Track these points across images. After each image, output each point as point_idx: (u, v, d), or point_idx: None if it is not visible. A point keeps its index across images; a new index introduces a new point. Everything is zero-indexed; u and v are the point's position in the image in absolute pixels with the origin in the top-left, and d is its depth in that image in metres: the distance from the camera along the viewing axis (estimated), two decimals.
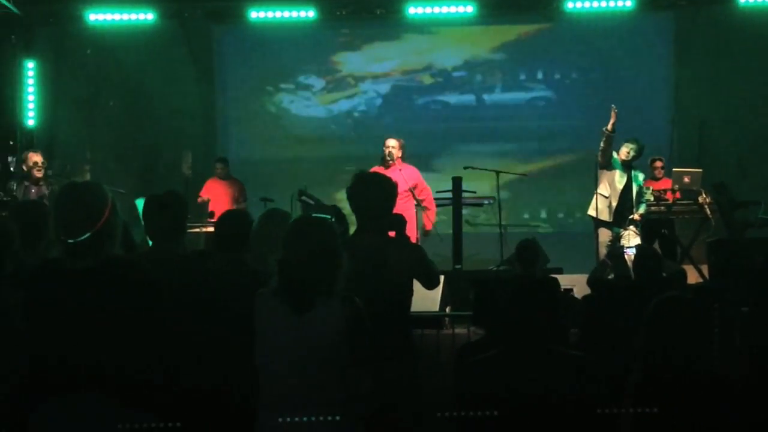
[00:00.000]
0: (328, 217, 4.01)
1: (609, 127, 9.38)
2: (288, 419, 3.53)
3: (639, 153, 9.73)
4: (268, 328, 3.63)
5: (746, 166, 11.38)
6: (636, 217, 9.59)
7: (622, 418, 3.68)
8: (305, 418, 3.52)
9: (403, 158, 9.61)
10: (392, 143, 9.57)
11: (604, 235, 9.73)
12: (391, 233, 4.69)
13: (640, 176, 9.83)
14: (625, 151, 9.64)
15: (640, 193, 9.78)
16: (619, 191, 9.67)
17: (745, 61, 12.06)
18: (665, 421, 3.58)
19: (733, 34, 11.99)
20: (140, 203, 4.83)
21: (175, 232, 4.45)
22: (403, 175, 9.04)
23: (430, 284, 4.89)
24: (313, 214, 4.09)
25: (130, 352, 3.22)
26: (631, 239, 9.49)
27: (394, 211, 4.75)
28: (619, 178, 9.68)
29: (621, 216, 9.67)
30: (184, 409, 3.52)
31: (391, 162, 9.46)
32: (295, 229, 3.75)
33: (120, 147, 12.83)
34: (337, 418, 3.52)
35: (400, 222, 4.75)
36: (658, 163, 11.42)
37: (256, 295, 3.70)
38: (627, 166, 9.72)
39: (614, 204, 9.66)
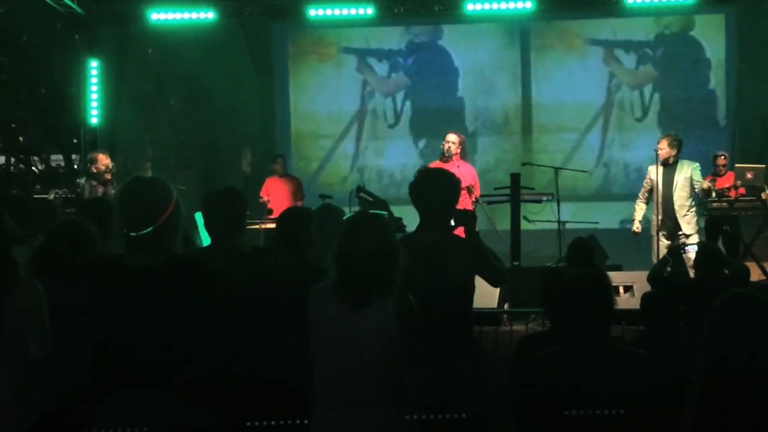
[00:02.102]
0: (384, 213, 4.00)
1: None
2: (342, 415, 3.55)
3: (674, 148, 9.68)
4: (323, 323, 3.65)
5: None
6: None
7: (684, 419, 3.64)
8: (359, 415, 3.52)
9: (463, 155, 9.53)
10: (452, 138, 9.46)
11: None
12: (460, 229, 4.67)
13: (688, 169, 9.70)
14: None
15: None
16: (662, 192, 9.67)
17: None
18: (730, 422, 3.53)
19: None
20: (199, 217, 4.86)
21: (235, 228, 4.46)
22: (462, 172, 8.89)
23: (495, 282, 4.85)
24: (371, 211, 4.09)
25: (190, 348, 3.25)
26: (692, 237, 9.39)
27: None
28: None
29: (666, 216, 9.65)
30: (241, 405, 3.55)
31: (449, 158, 9.36)
32: (351, 225, 3.76)
33: (180, 145, 13.00)
34: (391, 415, 3.52)
35: (470, 218, 4.72)
36: (721, 160, 11.24)
37: (310, 290, 3.71)
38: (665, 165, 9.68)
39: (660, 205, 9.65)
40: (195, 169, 12.77)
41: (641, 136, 13.00)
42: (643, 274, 8.17)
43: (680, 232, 9.53)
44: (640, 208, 9.94)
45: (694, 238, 9.33)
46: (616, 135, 13.29)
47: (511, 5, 11.89)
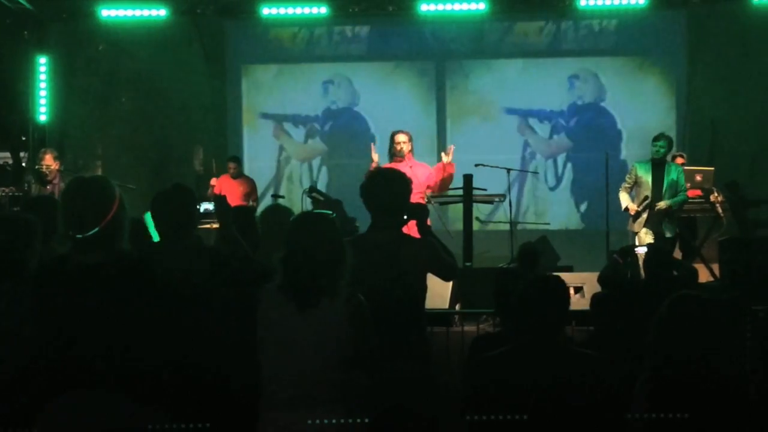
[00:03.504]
0: (331, 213, 3.98)
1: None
2: (289, 416, 3.53)
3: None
4: (271, 323, 3.63)
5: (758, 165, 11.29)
6: (660, 205, 9.55)
7: (633, 418, 3.66)
8: (306, 415, 3.50)
9: (414, 153, 9.35)
10: (402, 138, 9.13)
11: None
12: (413, 222, 4.67)
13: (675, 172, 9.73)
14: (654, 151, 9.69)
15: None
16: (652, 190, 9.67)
17: (757, 60, 12.00)
18: (678, 421, 3.56)
19: (746, 33, 11.93)
20: (149, 217, 4.81)
21: (185, 227, 4.43)
22: (416, 173, 8.81)
23: (446, 277, 4.89)
24: (316, 211, 4.07)
25: (139, 348, 3.22)
26: (643, 238, 9.47)
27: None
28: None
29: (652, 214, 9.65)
30: (189, 404, 3.52)
31: (400, 158, 9.08)
32: (298, 225, 3.75)
33: (131, 143, 12.84)
34: (339, 415, 3.51)
35: (422, 211, 4.72)
36: (680, 160, 11.37)
37: (261, 290, 3.70)
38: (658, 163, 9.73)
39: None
40: (146, 168, 12.63)
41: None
42: (593, 275, 8.24)
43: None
44: (626, 197, 9.82)
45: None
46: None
47: (465, 6, 11.94)
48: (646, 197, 9.58)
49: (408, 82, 13.33)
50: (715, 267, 9.52)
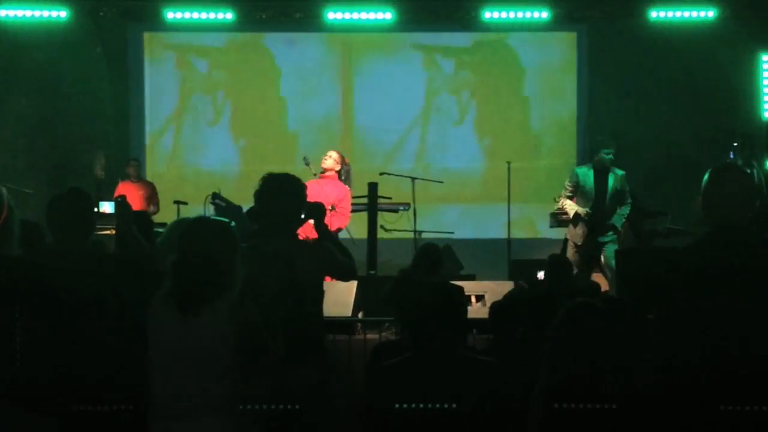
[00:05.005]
0: (227, 220, 3.94)
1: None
2: (177, 424, 3.47)
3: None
4: (158, 331, 3.57)
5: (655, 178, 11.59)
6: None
7: (529, 424, 3.71)
8: (193, 424, 3.45)
9: (342, 175, 9.23)
10: (332, 154, 9.24)
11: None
12: (309, 222, 4.66)
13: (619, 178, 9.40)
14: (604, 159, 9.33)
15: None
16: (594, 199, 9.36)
17: (655, 75, 12.33)
18: (573, 427, 3.61)
19: (644, 49, 12.26)
20: None
21: (80, 231, 4.36)
22: (326, 190, 8.82)
23: (344, 278, 4.88)
24: (213, 217, 4.02)
25: (25, 353, 3.14)
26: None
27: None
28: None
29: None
30: (76, 413, 3.45)
31: (322, 174, 9.15)
32: (187, 232, 3.69)
33: (30, 147, 12.52)
34: (228, 424, 3.47)
35: (318, 210, 4.71)
36: None
37: (153, 298, 3.63)
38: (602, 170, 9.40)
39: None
40: (45, 172, 12.34)
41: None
42: (496, 284, 8.34)
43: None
44: (572, 204, 9.39)
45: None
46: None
47: (372, 15, 11.99)
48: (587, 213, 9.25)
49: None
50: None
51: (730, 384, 3.55)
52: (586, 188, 9.32)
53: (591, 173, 9.34)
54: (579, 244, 9.35)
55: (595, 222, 9.26)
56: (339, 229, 8.86)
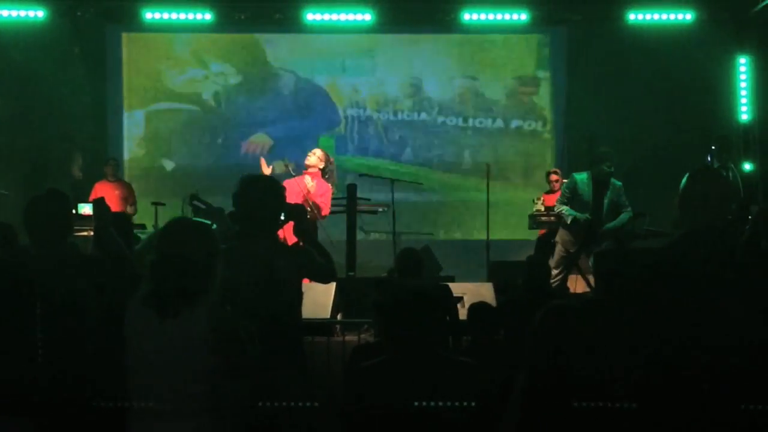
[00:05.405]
0: (207, 221, 3.92)
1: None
2: (155, 427, 3.46)
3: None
4: (135, 333, 3.55)
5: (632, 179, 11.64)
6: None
7: (507, 425, 3.71)
8: (171, 426, 3.44)
9: (326, 173, 9.19)
10: (317, 152, 9.26)
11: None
12: (289, 224, 4.65)
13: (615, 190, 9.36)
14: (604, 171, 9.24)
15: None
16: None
17: (633, 77, 12.39)
18: (550, 428, 3.62)
19: (622, 51, 12.32)
20: None
21: (58, 232, 4.34)
22: (305, 183, 8.87)
23: (324, 280, 4.88)
24: (193, 218, 3.99)
25: (2, 356, 3.13)
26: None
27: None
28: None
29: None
30: (53, 415, 3.43)
31: (305, 171, 9.15)
32: (165, 233, 3.67)
33: (6, 147, 12.43)
34: (206, 426, 3.45)
35: (299, 212, 4.70)
36: (554, 176, 11.67)
37: (130, 299, 3.61)
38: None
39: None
40: (22, 173, 12.25)
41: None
42: (475, 285, 8.36)
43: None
44: (569, 210, 9.29)
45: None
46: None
47: (351, 17, 11.99)
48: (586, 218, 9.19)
49: None
50: (591, 278, 9.75)
51: (703, 381, 3.59)
52: (584, 197, 9.26)
53: (590, 182, 9.28)
54: (572, 251, 9.34)
55: (592, 230, 9.21)
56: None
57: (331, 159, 9.39)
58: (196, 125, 13.50)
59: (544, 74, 13.51)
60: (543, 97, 13.55)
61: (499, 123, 13.56)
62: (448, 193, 13.42)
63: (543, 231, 11.17)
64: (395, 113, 13.60)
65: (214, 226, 4.27)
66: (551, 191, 11.51)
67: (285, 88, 13.55)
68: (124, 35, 13.29)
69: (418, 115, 13.57)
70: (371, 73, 13.56)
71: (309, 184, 8.89)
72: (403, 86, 13.60)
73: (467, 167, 13.37)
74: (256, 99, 13.51)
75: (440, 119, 13.57)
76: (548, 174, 11.81)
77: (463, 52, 13.51)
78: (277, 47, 13.50)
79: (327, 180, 9.20)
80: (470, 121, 13.57)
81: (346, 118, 13.58)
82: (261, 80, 13.55)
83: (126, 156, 13.14)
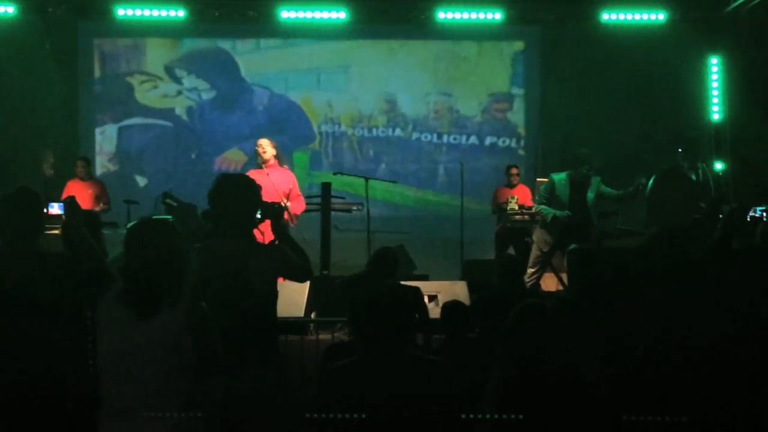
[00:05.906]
0: (170, 218, 3.87)
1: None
2: (128, 426, 3.43)
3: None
4: (108, 332, 3.52)
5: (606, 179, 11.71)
6: None
7: (480, 424, 3.72)
8: (145, 426, 3.42)
9: (279, 160, 9.38)
10: (264, 142, 9.32)
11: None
12: (267, 222, 4.63)
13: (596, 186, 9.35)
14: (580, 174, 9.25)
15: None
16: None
17: (607, 77, 12.44)
18: (525, 426, 3.63)
19: (596, 51, 12.37)
20: None
21: (29, 232, 4.30)
22: (273, 180, 8.85)
23: (299, 280, 4.88)
24: (155, 217, 3.94)
25: None
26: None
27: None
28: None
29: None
30: (23, 416, 3.40)
31: (262, 164, 9.21)
32: (135, 232, 3.64)
33: None
34: (182, 425, 3.43)
35: (276, 210, 4.68)
36: (514, 170, 11.72)
37: (99, 298, 3.59)
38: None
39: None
40: None
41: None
42: (449, 284, 8.36)
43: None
44: (548, 209, 9.25)
45: None
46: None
47: (326, 15, 11.98)
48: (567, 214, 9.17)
49: None
50: (564, 276, 9.79)
51: (673, 376, 3.62)
52: (562, 198, 9.23)
53: (568, 184, 9.25)
54: (545, 251, 9.36)
55: (572, 227, 9.18)
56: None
57: (273, 143, 9.45)
58: (169, 141, 13.44)
59: (518, 91, 13.59)
60: (517, 114, 13.61)
61: (474, 139, 13.60)
62: (422, 209, 13.47)
63: (499, 226, 11.26)
64: (370, 129, 13.61)
65: (191, 225, 4.24)
66: (510, 185, 11.57)
67: (259, 103, 13.51)
68: (96, 41, 13.20)
69: (393, 131, 13.61)
70: (346, 88, 13.54)
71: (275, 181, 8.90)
72: (378, 102, 13.62)
73: (442, 184, 13.41)
74: (230, 114, 13.47)
75: (415, 135, 13.61)
76: (508, 167, 11.85)
77: (437, 68, 13.54)
78: (250, 61, 13.46)
79: (282, 164, 9.42)
80: (445, 138, 13.62)
81: (320, 134, 13.59)
82: (234, 95, 13.51)
83: (98, 172, 12.99)
